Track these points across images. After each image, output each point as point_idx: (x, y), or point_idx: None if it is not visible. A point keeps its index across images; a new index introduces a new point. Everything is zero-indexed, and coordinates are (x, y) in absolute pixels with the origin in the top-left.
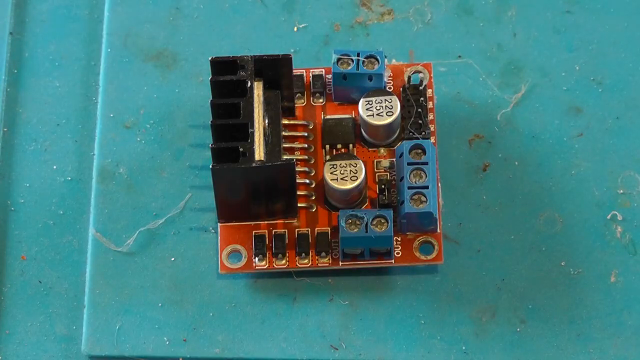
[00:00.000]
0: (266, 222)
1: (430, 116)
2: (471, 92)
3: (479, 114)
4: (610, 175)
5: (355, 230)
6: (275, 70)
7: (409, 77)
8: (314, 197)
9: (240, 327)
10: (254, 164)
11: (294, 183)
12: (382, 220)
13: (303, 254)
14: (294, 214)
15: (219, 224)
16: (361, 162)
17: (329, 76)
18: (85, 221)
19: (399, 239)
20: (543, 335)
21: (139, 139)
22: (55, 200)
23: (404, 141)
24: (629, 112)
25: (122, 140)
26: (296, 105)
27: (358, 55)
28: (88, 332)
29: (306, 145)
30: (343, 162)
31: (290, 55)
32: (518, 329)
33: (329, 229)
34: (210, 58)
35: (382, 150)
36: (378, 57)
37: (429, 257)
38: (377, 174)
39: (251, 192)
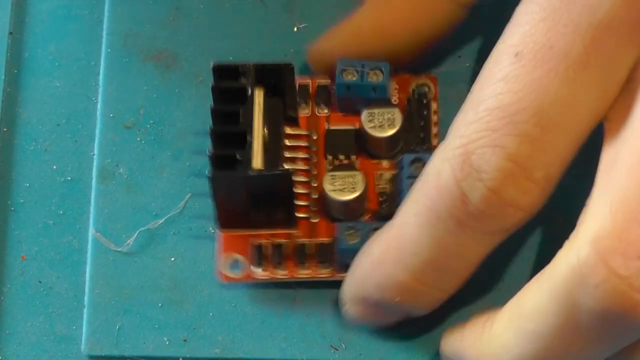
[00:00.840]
0: (266, 231)
1: (435, 130)
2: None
3: None
4: None
5: (354, 241)
6: (277, 79)
7: (414, 90)
8: (315, 208)
9: (240, 327)
10: (250, 173)
11: (292, 193)
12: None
13: (304, 264)
14: (294, 224)
15: (217, 232)
16: (361, 174)
17: (333, 87)
18: (85, 221)
19: None
20: None
21: (139, 139)
22: (55, 200)
23: (405, 154)
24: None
25: (122, 140)
26: (300, 114)
27: (363, 66)
28: (88, 332)
29: (308, 156)
30: (343, 174)
31: (292, 64)
32: None
33: (329, 239)
34: (212, 64)
35: (384, 162)
36: (383, 69)
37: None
38: (378, 186)
39: (250, 201)
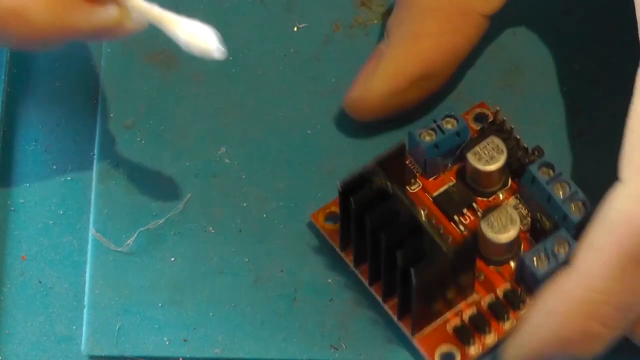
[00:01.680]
0: (451, 312)
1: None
2: (471, 92)
3: None
4: (611, 175)
5: (545, 264)
6: (391, 164)
7: (479, 116)
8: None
9: (240, 327)
10: (450, 253)
11: (475, 255)
12: (561, 241)
13: (505, 317)
14: (471, 289)
15: (414, 339)
16: (508, 206)
17: (408, 160)
18: (85, 221)
19: None
20: None
21: (139, 139)
22: (55, 200)
23: (529, 166)
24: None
25: (122, 140)
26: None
27: (435, 121)
28: (88, 332)
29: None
30: (495, 214)
31: (403, 143)
32: None
33: (509, 284)
34: (339, 186)
35: (500, 193)
36: (453, 113)
37: None
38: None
39: (439, 286)
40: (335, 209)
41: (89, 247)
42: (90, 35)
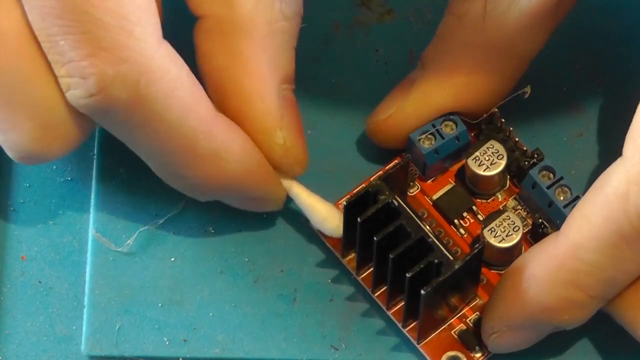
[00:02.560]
0: (455, 317)
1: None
2: None
3: None
4: None
5: None
6: (395, 179)
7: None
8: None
9: (240, 328)
10: (458, 265)
11: (481, 264)
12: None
13: None
14: (474, 295)
15: (419, 346)
16: (510, 211)
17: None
18: (85, 221)
19: None
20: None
21: None
22: (55, 200)
23: (530, 171)
24: (629, 112)
25: None
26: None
27: (434, 126)
28: (88, 332)
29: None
30: (498, 221)
31: (408, 157)
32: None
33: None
34: (345, 204)
35: (498, 195)
36: (452, 117)
37: None
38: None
39: (445, 296)
40: None
41: (89, 247)
42: (249, 200)
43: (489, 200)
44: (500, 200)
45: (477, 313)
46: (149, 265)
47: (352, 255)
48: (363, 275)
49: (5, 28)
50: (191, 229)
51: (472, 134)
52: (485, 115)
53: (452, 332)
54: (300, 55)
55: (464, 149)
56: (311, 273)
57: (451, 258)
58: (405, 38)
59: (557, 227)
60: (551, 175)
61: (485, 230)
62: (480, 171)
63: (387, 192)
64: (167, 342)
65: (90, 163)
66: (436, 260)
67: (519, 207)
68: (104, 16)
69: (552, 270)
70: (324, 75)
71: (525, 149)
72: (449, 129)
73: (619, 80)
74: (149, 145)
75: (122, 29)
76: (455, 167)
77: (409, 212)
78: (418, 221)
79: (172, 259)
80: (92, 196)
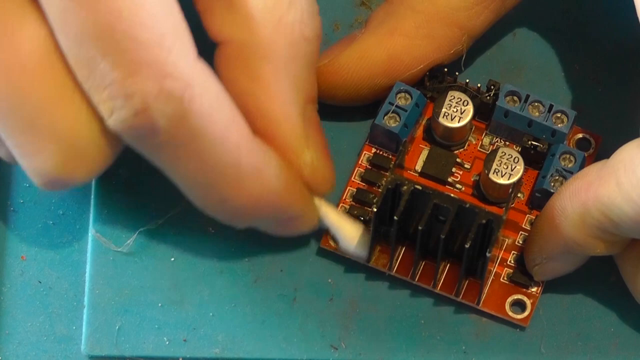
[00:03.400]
0: (496, 266)
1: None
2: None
3: None
4: None
5: (562, 182)
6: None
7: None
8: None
9: (240, 327)
10: (505, 217)
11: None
12: (565, 155)
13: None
14: (503, 237)
15: (480, 307)
16: (503, 147)
17: (377, 151)
18: (85, 221)
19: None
20: (543, 335)
21: None
22: (55, 200)
23: (497, 102)
24: (629, 112)
25: None
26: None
27: (391, 103)
28: (88, 332)
29: None
30: (497, 161)
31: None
32: (518, 329)
33: (528, 214)
34: (374, 210)
35: (472, 139)
36: (401, 89)
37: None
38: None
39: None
40: None
41: (89, 247)
42: (286, 221)
43: (465, 147)
44: (475, 142)
45: (513, 252)
46: (149, 265)
47: (377, 255)
48: (395, 268)
49: (29, 51)
50: (191, 229)
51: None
52: (427, 74)
53: (501, 280)
54: None
55: (423, 112)
56: (311, 273)
57: (493, 212)
58: None
59: (545, 141)
60: (515, 98)
61: (490, 174)
62: (455, 124)
63: (406, 181)
64: (167, 342)
65: None
66: (484, 221)
67: (496, 139)
68: (142, 34)
69: (581, 214)
70: None
71: (479, 85)
72: (405, 101)
73: (619, 80)
74: (191, 166)
75: (161, 46)
76: (420, 132)
77: (433, 189)
78: (448, 194)
79: (172, 259)
80: (92, 196)
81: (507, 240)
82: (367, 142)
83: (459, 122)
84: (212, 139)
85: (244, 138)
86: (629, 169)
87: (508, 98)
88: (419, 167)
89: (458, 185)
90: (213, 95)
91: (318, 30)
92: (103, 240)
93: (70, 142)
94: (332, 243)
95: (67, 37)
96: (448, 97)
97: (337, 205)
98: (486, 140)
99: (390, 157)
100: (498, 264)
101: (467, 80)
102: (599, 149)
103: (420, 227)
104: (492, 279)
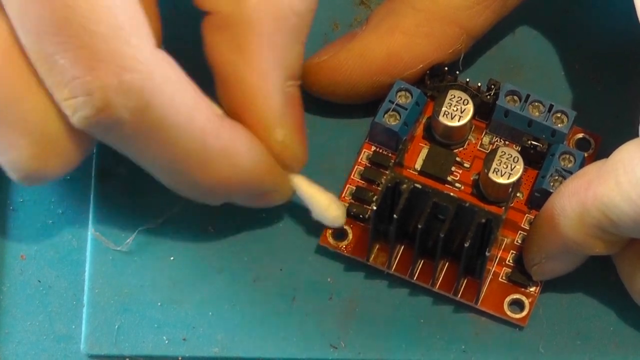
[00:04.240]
0: (494, 266)
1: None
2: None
3: None
4: None
5: (561, 182)
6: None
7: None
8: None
9: (240, 326)
10: (504, 216)
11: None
12: (564, 155)
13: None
14: (502, 237)
15: (479, 306)
16: (502, 146)
17: (378, 149)
18: (85, 221)
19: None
20: (542, 335)
21: None
22: (55, 200)
23: (497, 102)
24: (629, 112)
25: None
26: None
27: (391, 102)
28: (87, 331)
29: None
30: (496, 161)
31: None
32: (517, 328)
33: (527, 214)
34: (374, 209)
35: (472, 138)
36: (402, 87)
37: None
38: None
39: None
40: None
41: (89, 246)
42: (259, 196)
43: (465, 147)
44: (474, 141)
45: (512, 251)
46: (149, 265)
47: (376, 254)
48: (394, 267)
49: None
50: (190, 228)
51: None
52: (427, 73)
53: (499, 279)
54: None
55: (423, 111)
56: (310, 272)
57: (492, 212)
58: None
59: (545, 141)
60: (516, 97)
61: (490, 174)
62: (455, 123)
63: (405, 179)
64: (167, 341)
65: (90, 162)
66: (483, 220)
67: (495, 139)
68: (99, 27)
69: (580, 214)
70: None
71: (479, 84)
72: (405, 99)
73: (619, 80)
74: (158, 154)
75: (119, 38)
76: (420, 131)
77: (432, 188)
78: (448, 192)
79: (172, 258)
80: (92, 195)
81: (506, 239)
82: (367, 140)
83: (459, 121)
84: (175, 127)
85: (210, 121)
86: (628, 168)
87: (508, 97)
88: (418, 166)
89: (457, 184)
90: (174, 84)
91: (311, 5)
92: (102, 239)
93: (41, 135)
94: (331, 241)
95: (26, 33)
96: (448, 96)
97: None
98: (486, 139)
99: (390, 155)
100: (497, 264)
101: (468, 80)
102: (599, 149)
103: (419, 226)
104: (491, 278)
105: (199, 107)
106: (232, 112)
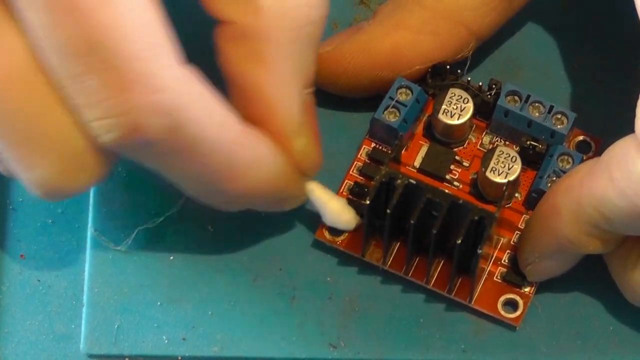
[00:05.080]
0: (490, 265)
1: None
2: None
3: None
4: None
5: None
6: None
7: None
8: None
9: (239, 326)
10: (497, 215)
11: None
12: (563, 157)
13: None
14: (497, 236)
15: (473, 305)
16: (501, 146)
17: (377, 145)
18: (84, 220)
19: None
20: (542, 334)
21: None
22: None
23: (497, 102)
24: (629, 112)
25: None
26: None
27: (391, 98)
28: (87, 330)
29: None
30: (494, 160)
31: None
32: (517, 328)
33: (523, 214)
34: (368, 203)
35: (472, 137)
36: (402, 84)
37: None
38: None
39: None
40: None
41: (88, 245)
42: (277, 202)
43: (465, 145)
44: (475, 141)
45: (508, 251)
46: (148, 264)
47: (371, 249)
48: (389, 263)
49: (12, 67)
50: (190, 227)
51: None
52: (429, 71)
53: (494, 279)
54: None
55: (423, 109)
56: (310, 271)
57: (485, 209)
58: None
59: (544, 142)
60: (517, 98)
61: (487, 172)
62: (455, 121)
63: (400, 175)
64: (166, 341)
65: None
66: (476, 217)
67: (496, 139)
68: (128, 48)
69: (574, 210)
70: None
71: (480, 84)
72: (406, 96)
73: (619, 80)
74: (187, 168)
75: (148, 58)
76: (421, 129)
77: (427, 184)
78: (440, 189)
79: (171, 258)
80: (91, 195)
81: (502, 239)
82: (366, 137)
83: (458, 119)
84: (206, 142)
85: (238, 134)
86: (622, 164)
87: (509, 97)
88: (417, 163)
89: (456, 183)
90: (203, 100)
91: (325, 11)
92: (102, 239)
93: (66, 151)
94: (327, 235)
95: (51, 53)
96: (449, 94)
97: None
98: (486, 139)
99: (389, 151)
100: (493, 263)
101: (469, 79)
102: (599, 151)
103: (412, 222)
104: (486, 277)
105: (227, 120)
106: (251, 121)
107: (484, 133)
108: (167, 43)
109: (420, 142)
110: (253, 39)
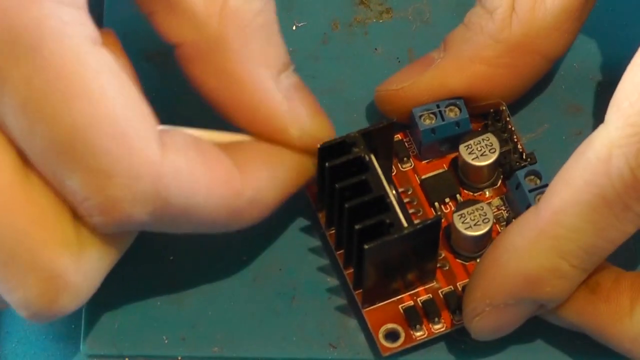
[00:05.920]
0: (407, 293)
1: (520, 143)
2: None
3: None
4: None
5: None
6: (380, 139)
7: (490, 113)
8: (442, 255)
9: (239, 326)
10: (407, 230)
11: (438, 239)
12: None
13: (457, 312)
14: (432, 276)
15: (363, 311)
16: (486, 204)
17: (407, 139)
18: None
19: None
20: (542, 334)
21: None
22: None
23: (517, 171)
24: None
25: None
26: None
27: (438, 106)
28: (87, 331)
29: (413, 210)
30: (470, 209)
31: (393, 121)
32: (517, 328)
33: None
34: (319, 146)
35: (487, 191)
36: (457, 103)
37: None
38: (494, 214)
39: (397, 265)
40: None
41: None
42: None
43: (475, 194)
44: (487, 196)
45: (430, 295)
46: (148, 264)
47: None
48: (330, 232)
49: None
50: None
51: (479, 128)
52: (492, 110)
53: (399, 307)
54: (299, 55)
55: (462, 137)
56: (310, 271)
57: (405, 224)
58: (404, 37)
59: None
60: (537, 181)
61: (455, 215)
62: (470, 159)
63: (362, 147)
64: (166, 341)
65: None
66: (388, 220)
67: (503, 207)
68: (103, 141)
69: (533, 238)
70: (323, 75)
71: (521, 150)
72: (452, 113)
73: (618, 80)
74: (183, 228)
75: (124, 148)
76: (453, 155)
77: (377, 171)
78: (385, 183)
79: (171, 258)
80: None
81: (435, 283)
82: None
83: (474, 159)
84: (198, 209)
85: (227, 185)
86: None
87: (531, 176)
88: (423, 177)
89: (439, 213)
90: (186, 167)
91: None
92: None
93: (51, 271)
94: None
95: (34, 155)
96: (483, 136)
97: None
98: (496, 202)
99: (409, 150)
100: (409, 294)
101: (522, 150)
102: None
103: (337, 185)
104: (394, 300)
105: (214, 176)
106: (246, 128)
107: (499, 197)
108: (143, 119)
109: (444, 165)
110: (207, 55)
